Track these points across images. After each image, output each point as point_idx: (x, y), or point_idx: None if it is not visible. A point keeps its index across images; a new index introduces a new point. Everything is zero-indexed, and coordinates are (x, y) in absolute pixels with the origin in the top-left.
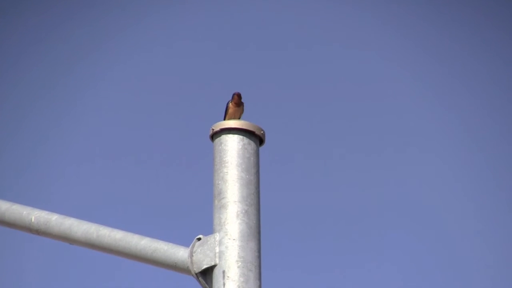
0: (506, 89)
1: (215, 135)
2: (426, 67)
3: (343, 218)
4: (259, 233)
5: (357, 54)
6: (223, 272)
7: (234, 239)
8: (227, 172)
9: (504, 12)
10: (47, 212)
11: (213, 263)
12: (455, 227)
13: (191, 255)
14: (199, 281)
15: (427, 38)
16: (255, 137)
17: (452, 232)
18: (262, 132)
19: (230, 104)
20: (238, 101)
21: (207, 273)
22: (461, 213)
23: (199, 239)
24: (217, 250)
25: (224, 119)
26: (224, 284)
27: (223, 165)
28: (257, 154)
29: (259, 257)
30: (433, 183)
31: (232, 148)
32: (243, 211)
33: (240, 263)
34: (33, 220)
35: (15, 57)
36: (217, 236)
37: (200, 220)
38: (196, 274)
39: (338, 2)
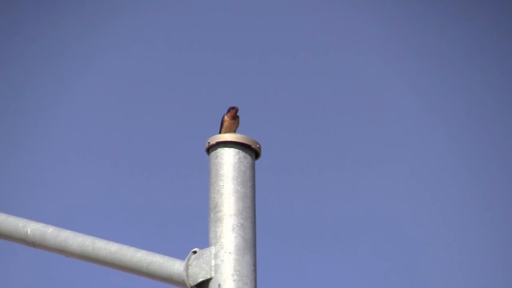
0: (497, 106)
1: (211, 148)
2: (418, 78)
3: (340, 231)
4: (254, 246)
5: (353, 62)
6: (219, 285)
7: (229, 253)
8: (222, 185)
9: (501, 16)
10: (43, 224)
11: (208, 276)
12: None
13: (186, 268)
14: None
15: (422, 44)
16: (251, 150)
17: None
18: (258, 145)
19: (226, 117)
20: (234, 114)
21: (202, 287)
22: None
23: (194, 252)
24: (212, 263)
25: (220, 132)
26: None
27: (219, 178)
28: (253, 168)
29: (254, 270)
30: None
31: (228, 162)
32: (239, 225)
33: (235, 277)
34: (29, 232)
35: None
36: (212, 249)
37: (196, 233)
38: (191, 287)
39: (336, 8)
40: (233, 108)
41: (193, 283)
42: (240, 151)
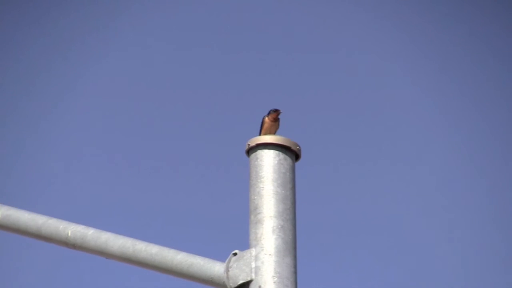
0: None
1: (251, 150)
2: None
3: (380, 232)
4: (295, 248)
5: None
6: (259, 287)
7: (270, 255)
8: (263, 187)
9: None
10: (83, 226)
11: (249, 278)
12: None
13: (227, 270)
14: None
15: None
16: (291, 152)
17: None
18: (298, 147)
19: (266, 118)
20: (276, 116)
21: None
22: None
23: (235, 254)
24: (253, 265)
25: (260, 134)
26: None
27: (259, 180)
28: (293, 170)
29: (295, 272)
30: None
31: (268, 163)
32: (279, 226)
33: (276, 279)
34: (69, 234)
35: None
36: (253, 251)
37: (236, 235)
38: None
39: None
40: (275, 110)
41: (233, 285)
42: (280, 153)
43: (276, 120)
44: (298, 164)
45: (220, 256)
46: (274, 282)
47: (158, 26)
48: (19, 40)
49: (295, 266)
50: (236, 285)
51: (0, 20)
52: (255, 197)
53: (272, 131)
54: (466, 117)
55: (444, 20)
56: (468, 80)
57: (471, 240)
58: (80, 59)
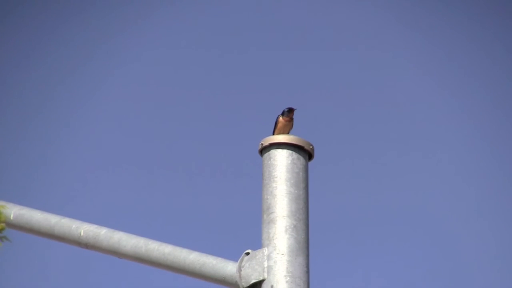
0: None
1: (264, 149)
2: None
3: (395, 231)
4: (307, 248)
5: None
6: (272, 287)
7: (282, 254)
8: (276, 187)
9: None
10: (96, 226)
11: (261, 278)
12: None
13: (239, 269)
14: None
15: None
16: (304, 152)
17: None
18: (311, 147)
19: (280, 118)
20: (289, 116)
21: None
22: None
23: (247, 253)
24: (265, 264)
25: (273, 134)
26: None
27: (272, 179)
28: (306, 169)
29: (307, 272)
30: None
31: (281, 163)
32: (292, 226)
33: (288, 278)
34: (82, 234)
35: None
36: (265, 250)
37: (249, 235)
38: None
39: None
40: (290, 110)
41: (246, 285)
42: (294, 152)
43: (290, 120)
44: (311, 163)
45: (233, 255)
46: (287, 282)
47: (173, 30)
48: (48, 45)
49: (307, 266)
50: (248, 285)
51: (15, 27)
52: (268, 197)
53: (286, 131)
54: (486, 111)
55: (469, 15)
56: (485, 75)
57: (490, 236)
58: (100, 65)
